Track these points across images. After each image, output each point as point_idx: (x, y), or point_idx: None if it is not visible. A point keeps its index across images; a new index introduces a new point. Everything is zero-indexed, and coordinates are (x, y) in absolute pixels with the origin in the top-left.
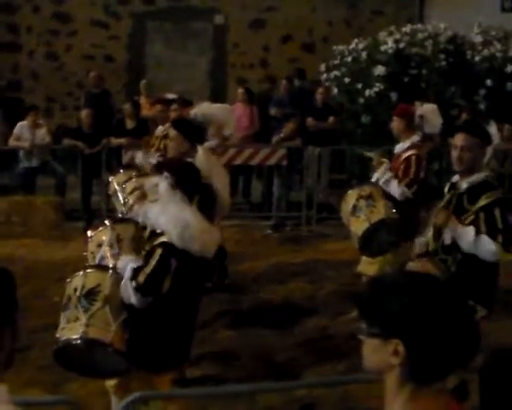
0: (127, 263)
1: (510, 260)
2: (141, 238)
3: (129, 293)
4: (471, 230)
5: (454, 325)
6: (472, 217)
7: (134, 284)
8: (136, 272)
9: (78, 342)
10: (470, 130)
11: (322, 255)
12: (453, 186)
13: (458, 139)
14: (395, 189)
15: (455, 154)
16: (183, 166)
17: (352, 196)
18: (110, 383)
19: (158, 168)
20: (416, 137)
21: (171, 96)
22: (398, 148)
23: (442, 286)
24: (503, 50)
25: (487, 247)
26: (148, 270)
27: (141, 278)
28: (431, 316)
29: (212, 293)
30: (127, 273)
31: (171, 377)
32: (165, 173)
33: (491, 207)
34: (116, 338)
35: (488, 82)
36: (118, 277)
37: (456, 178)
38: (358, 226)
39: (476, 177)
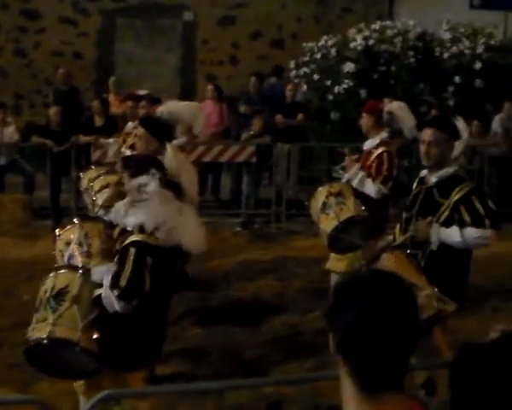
0: (102, 274)
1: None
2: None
3: (112, 302)
4: (455, 230)
5: (388, 337)
6: (447, 211)
7: (116, 292)
8: (114, 278)
9: (45, 341)
10: (438, 125)
11: (292, 252)
12: (421, 181)
13: (426, 134)
14: (370, 187)
15: (423, 149)
16: (160, 162)
17: (321, 192)
18: (78, 383)
19: (125, 164)
20: (384, 134)
21: (141, 92)
22: (368, 144)
23: (391, 298)
24: (471, 47)
25: (476, 236)
26: (127, 272)
27: (122, 283)
28: (362, 323)
29: (182, 291)
30: (105, 282)
31: (143, 375)
32: (153, 170)
33: (468, 197)
34: (84, 338)
35: (457, 79)
36: (87, 276)
37: (424, 172)
38: (328, 224)
39: (445, 171)
